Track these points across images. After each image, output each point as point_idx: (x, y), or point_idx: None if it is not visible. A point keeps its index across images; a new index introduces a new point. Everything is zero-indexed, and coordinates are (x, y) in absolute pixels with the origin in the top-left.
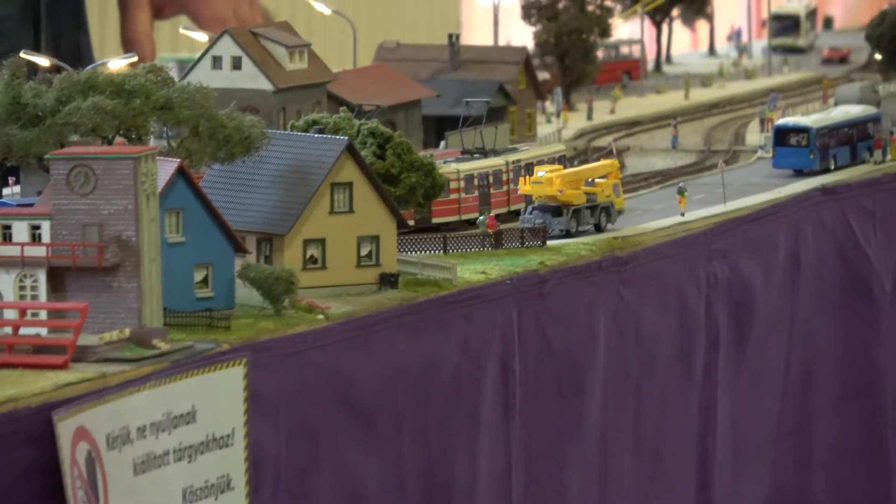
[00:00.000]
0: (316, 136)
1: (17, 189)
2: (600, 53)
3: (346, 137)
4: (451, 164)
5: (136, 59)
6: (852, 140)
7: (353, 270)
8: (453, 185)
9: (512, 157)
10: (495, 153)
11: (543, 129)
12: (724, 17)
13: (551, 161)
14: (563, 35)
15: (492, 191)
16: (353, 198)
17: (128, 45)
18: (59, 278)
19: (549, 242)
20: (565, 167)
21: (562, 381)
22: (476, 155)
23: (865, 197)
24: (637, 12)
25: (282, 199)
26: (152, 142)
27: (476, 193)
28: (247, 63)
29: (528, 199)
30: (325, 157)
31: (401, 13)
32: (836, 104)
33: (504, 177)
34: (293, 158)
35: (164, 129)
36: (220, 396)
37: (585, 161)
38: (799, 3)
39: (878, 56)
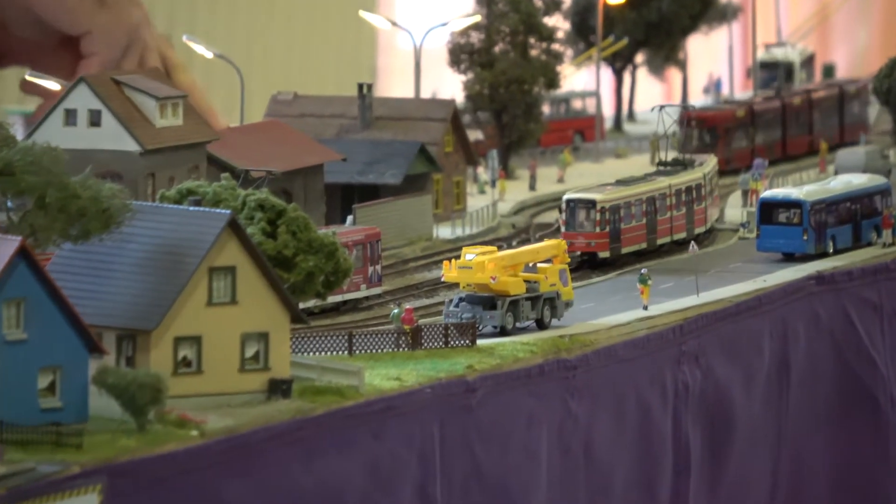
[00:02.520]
0: (192, 208)
1: None
2: (546, 108)
3: (228, 211)
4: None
5: None
6: (855, 217)
7: (235, 375)
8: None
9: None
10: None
11: (475, 200)
12: (701, 65)
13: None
14: (500, 86)
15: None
16: (236, 285)
17: None
18: None
19: (479, 341)
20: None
21: None
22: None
23: (870, 288)
24: (592, 58)
25: (148, 286)
26: None
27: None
28: (108, 118)
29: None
30: (203, 235)
31: (303, 57)
32: (835, 172)
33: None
34: (163, 236)
35: (5, 199)
36: None
37: (526, 241)
38: (792, 49)
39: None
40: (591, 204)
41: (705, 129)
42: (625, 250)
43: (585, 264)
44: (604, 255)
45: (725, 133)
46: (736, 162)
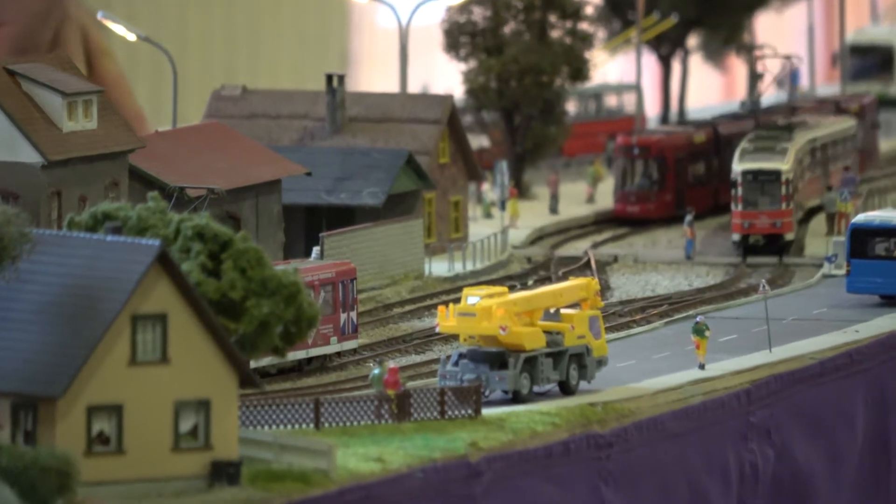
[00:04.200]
0: (109, 238)
1: None
2: (571, 107)
3: (157, 241)
4: None
5: None
6: None
7: (167, 456)
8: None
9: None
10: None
11: (479, 227)
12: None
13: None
14: (511, 77)
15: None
16: (167, 339)
17: None
18: None
19: (485, 411)
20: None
21: None
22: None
23: None
24: (631, 42)
25: (53, 339)
26: None
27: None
28: (0, 121)
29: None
30: (124, 272)
31: (254, 41)
32: None
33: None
34: (73, 274)
35: None
36: None
37: (546, 281)
38: (891, 28)
39: None
40: (775, 175)
41: (651, 159)
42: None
43: (767, 250)
44: (790, 237)
45: (677, 165)
46: (692, 204)
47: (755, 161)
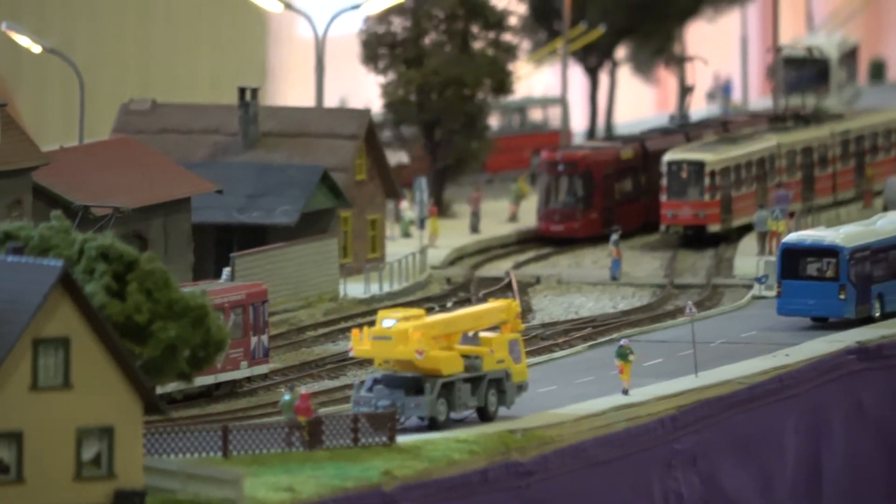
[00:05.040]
0: (11, 259)
1: None
2: (495, 120)
3: (60, 262)
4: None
5: None
6: None
7: (69, 485)
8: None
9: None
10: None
11: (397, 246)
12: (705, 63)
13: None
14: (432, 90)
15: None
16: (70, 364)
17: None
18: None
19: (400, 438)
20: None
21: None
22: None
23: None
24: (557, 53)
25: None
26: None
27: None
28: None
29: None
30: (25, 294)
31: (166, 52)
32: (885, 208)
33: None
34: None
35: None
36: None
37: (466, 302)
38: (828, 38)
39: None
40: (698, 166)
41: (577, 175)
42: (737, 223)
43: (691, 241)
44: (715, 229)
45: (605, 182)
46: (620, 222)
47: (682, 152)
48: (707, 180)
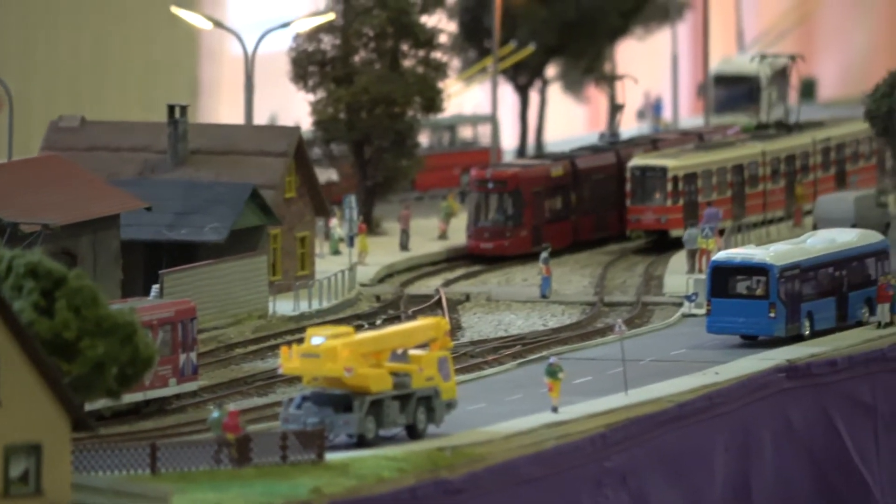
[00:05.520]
0: None
1: None
2: (425, 138)
3: None
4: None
5: None
6: (840, 288)
7: None
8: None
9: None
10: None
11: (327, 264)
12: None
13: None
14: (361, 108)
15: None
16: None
17: None
18: None
19: (329, 455)
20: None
21: None
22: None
23: (860, 383)
24: (487, 71)
25: None
26: None
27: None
28: None
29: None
30: None
31: (97, 69)
32: (815, 226)
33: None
34: None
35: None
36: None
37: (395, 319)
38: (758, 60)
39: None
40: (661, 172)
41: (506, 193)
42: None
43: (655, 246)
44: (677, 233)
45: (535, 200)
46: (550, 240)
47: (646, 158)
48: (670, 186)
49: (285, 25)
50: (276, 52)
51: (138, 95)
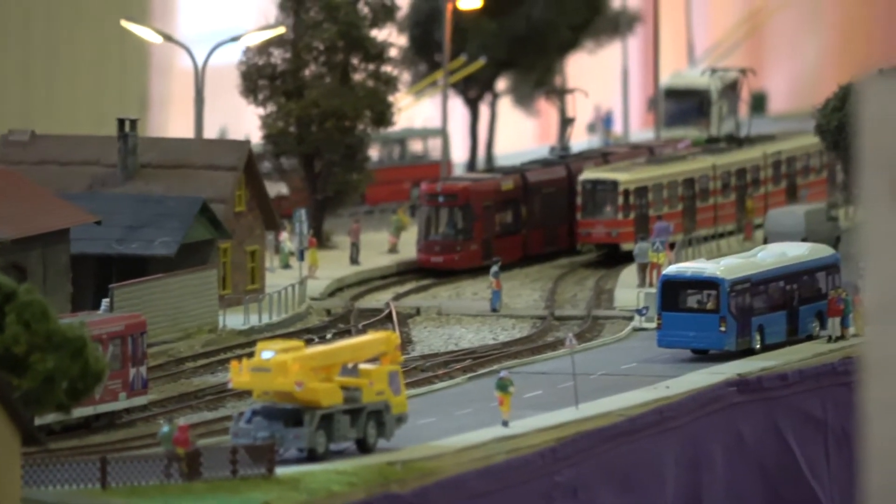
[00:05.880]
0: None
1: None
2: (375, 152)
3: None
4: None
5: None
6: (791, 301)
7: None
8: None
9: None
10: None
11: (277, 278)
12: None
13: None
14: (311, 121)
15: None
16: None
17: None
18: None
19: (279, 470)
20: None
21: None
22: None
23: (811, 397)
24: (437, 85)
25: None
26: None
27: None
28: None
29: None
30: None
31: (47, 82)
32: (765, 240)
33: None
34: None
35: None
36: None
37: (345, 334)
38: (709, 74)
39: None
40: (612, 185)
41: (456, 207)
42: None
43: (606, 259)
44: (628, 247)
45: (485, 213)
46: (500, 254)
47: (597, 171)
48: (620, 199)
49: (235, 39)
50: (226, 65)
51: (88, 109)
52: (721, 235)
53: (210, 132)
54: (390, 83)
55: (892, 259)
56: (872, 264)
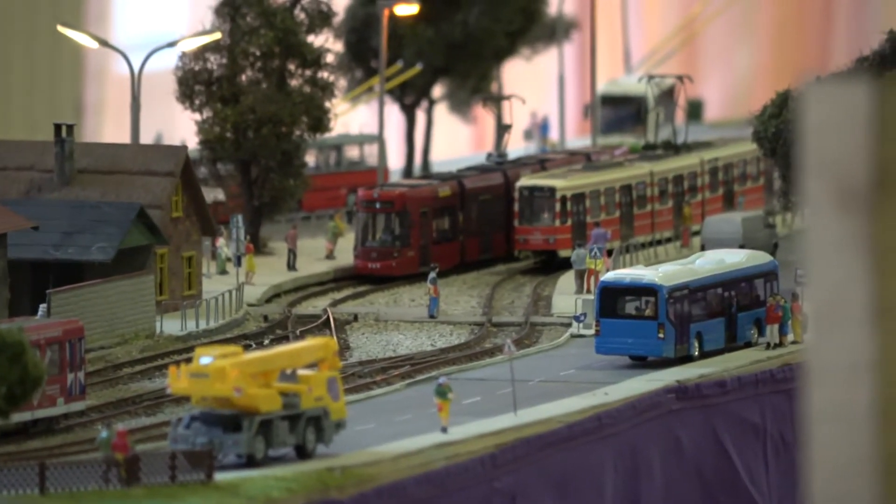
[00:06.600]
0: None
1: None
2: (311, 158)
3: None
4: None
5: None
6: (729, 308)
7: None
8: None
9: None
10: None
11: (214, 283)
12: (522, 102)
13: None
14: (248, 127)
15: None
16: None
17: None
18: None
19: (218, 475)
20: None
21: None
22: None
23: (749, 404)
24: (374, 91)
25: None
26: None
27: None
28: None
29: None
30: None
31: None
32: (703, 247)
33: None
34: None
35: None
36: None
37: (283, 339)
38: (645, 81)
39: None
40: (549, 192)
41: (393, 213)
42: None
43: (543, 266)
44: (566, 254)
45: (422, 220)
46: (437, 260)
47: (534, 178)
48: (558, 206)
49: (171, 44)
50: (162, 70)
51: (22, 114)
52: (658, 242)
53: (145, 138)
54: (327, 89)
55: (835, 266)
56: (816, 271)
